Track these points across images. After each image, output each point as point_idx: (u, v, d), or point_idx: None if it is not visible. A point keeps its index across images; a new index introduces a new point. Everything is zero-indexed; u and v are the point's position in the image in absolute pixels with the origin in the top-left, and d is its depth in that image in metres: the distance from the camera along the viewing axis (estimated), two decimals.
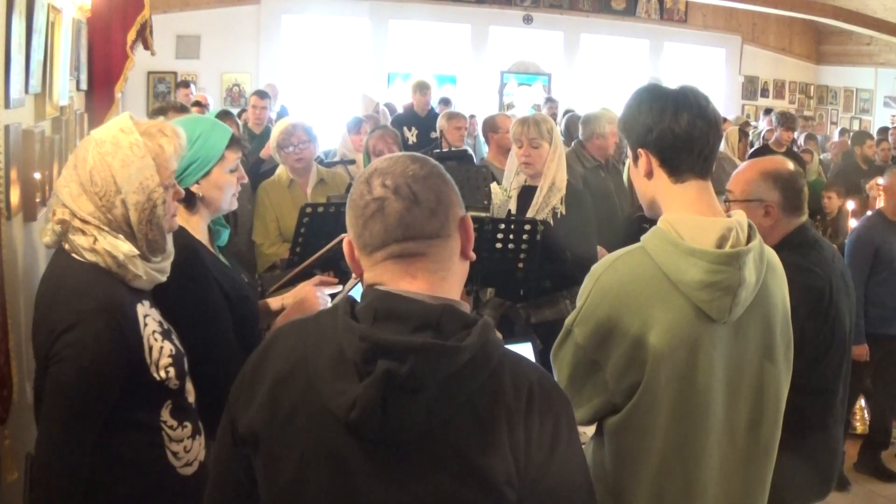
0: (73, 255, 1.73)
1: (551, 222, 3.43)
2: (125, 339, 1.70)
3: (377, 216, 1.22)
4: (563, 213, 3.47)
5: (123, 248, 1.72)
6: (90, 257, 1.72)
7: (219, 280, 2.12)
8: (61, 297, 1.70)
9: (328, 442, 1.18)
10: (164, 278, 1.86)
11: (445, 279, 1.25)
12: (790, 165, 2.44)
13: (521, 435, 1.17)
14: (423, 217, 1.22)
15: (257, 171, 5.00)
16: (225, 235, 2.32)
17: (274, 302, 2.40)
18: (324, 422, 1.18)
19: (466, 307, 1.25)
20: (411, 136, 7.17)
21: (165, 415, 1.80)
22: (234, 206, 2.24)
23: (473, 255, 1.31)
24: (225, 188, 2.15)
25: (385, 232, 1.22)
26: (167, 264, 1.87)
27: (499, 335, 3.62)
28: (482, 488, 1.15)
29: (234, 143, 2.16)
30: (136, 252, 1.74)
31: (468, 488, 1.15)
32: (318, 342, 1.22)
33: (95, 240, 1.71)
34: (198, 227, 2.15)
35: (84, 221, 1.72)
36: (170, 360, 1.78)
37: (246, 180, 2.29)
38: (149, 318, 1.79)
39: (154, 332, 1.78)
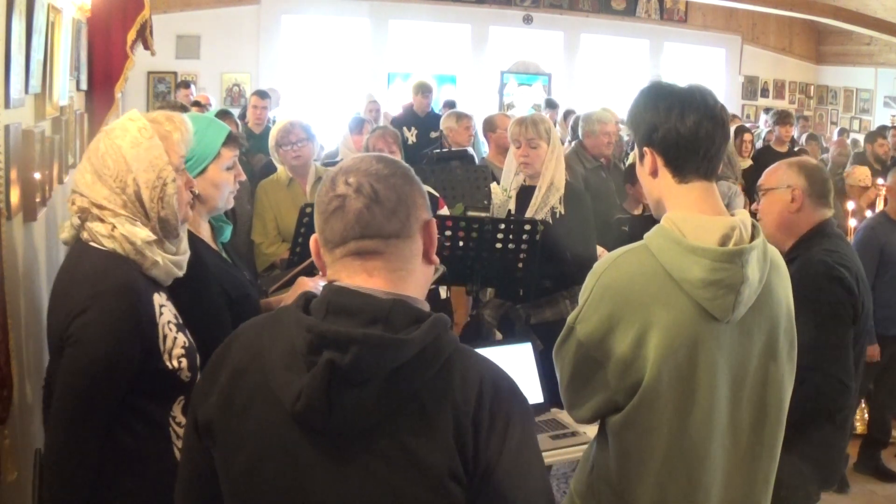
0: (92, 243, 1.77)
1: (550, 222, 3.43)
2: (140, 322, 1.72)
3: (338, 213, 1.23)
4: (562, 213, 3.46)
5: (141, 234, 1.76)
6: (108, 244, 1.75)
7: (219, 278, 2.12)
8: (78, 280, 1.73)
9: (279, 433, 1.20)
10: (180, 273, 1.88)
11: (404, 279, 1.26)
12: (814, 161, 2.60)
13: (468, 431, 1.18)
14: (382, 216, 1.23)
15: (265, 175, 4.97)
16: (228, 232, 2.33)
17: (275, 302, 2.40)
18: (275, 414, 1.20)
19: (425, 305, 1.26)
20: (411, 136, 7.18)
21: (177, 411, 1.82)
22: (231, 204, 2.24)
23: (437, 260, 1.32)
24: (221, 186, 2.16)
25: (344, 229, 1.23)
26: (183, 259, 1.90)
27: (498, 335, 3.60)
28: (426, 483, 1.16)
29: (230, 140, 2.17)
30: (153, 237, 1.78)
31: (412, 482, 1.17)
32: (274, 336, 1.24)
33: (114, 227, 1.75)
34: (197, 224, 2.16)
35: (101, 208, 1.76)
36: (182, 350, 1.80)
37: (244, 178, 2.29)
38: (164, 308, 1.81)
39: (169, 321, 1.80)
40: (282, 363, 1.20)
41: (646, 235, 1.64)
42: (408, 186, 1.27)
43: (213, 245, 2.22)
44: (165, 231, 1.82)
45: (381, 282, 1.24)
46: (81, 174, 1.80)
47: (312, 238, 1.30)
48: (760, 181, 2.56)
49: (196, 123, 2.14)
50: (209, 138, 2.13)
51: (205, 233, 2.19)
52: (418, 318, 1.20)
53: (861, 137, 9.20)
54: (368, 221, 1.22)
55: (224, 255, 2.26)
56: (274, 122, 6.25)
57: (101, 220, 1.76)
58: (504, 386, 1.24)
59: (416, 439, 1.17)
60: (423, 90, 7.54)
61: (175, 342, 1.79)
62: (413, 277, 1.27)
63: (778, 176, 2.50)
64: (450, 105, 8.40)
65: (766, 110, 10.04)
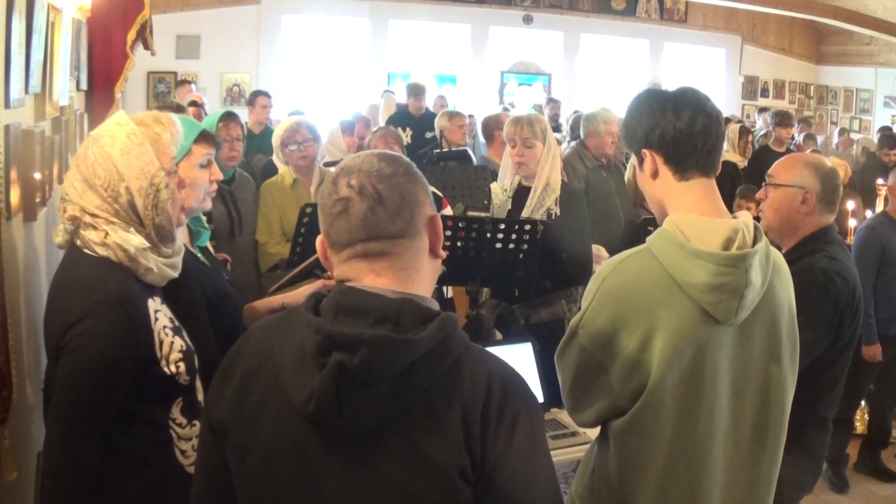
0: (85, 250, 1.75)
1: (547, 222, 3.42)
2: (136, 331, 1.71)
3: (342, 216, 1.24)
4: (558, 213, 3.45)
5: (134, 241, 1.75)
6: (102, 251, 1.74)
7: (196, 280, 2.11)
8: (73, 289, 1.72)
9: (291, 434, 1.21)
10: (175, 274, 1.87)
11: (412, 277, 1.27)
12: (830, 164, 2.52)
13: (476, 430, 1.18)
14: (386, 217, 1.23)
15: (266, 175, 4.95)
16: (205, 236, 2.33)
17: (275, 301, 2.40)
18: (287, 414, 1.21)
19: (434, 304, 1.26)
20: (405, 136, 7.19)
21: (176, 412, 1.81)
22: (208, 205, 2.22)
23: (443, 254, 1.33)
24: (195, 185, 2.13)
25: (350, 232, 1.24)
26: (178, 260, 1.89)
27: (498, 335, 3.57)
28: (436, 481, 1.17)
29: (203, 138, 2.15)
30: (147, 245, 1.77)
31: (422, 481, 1.17)
32: (285, 337, 1.25)
33: (107, 234, 1.74)
34: None
35: (94, 216, 1.74)
36: (180, 355, 1.79)
37: (221, 177, 2.25)
38: (160, 313, 1.80)
39: (165, 327, 1.79)
40: (293, 364, 1.21)
41: (648, 238, 1.64)
42: (410, 184, 1.27)
43: (190, 248, 2.21)
44: (161, 236, 1.81)
45: (389, 281, 1.24)
46: (71, 183, 1.77)
47: (319, 239, 1.30)
48: (772, 170, 2.49)
49: None
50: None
51: (182, 234, 2.18)
52: (427, 318, 1.20)
53: (860, 138, 9.19)
54: (373, 224, 1.23)
55: (201, 257, 2.26)
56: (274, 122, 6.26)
57: (94, 228, 1.74)
58: (513, 384, 1.25)
59: (425, 438, 1.18)
60: (415, 92, 7.54)
61: (172, 347, 1.78)
62: (420, 275, 1.28)
63: (794, 174, 2.43)
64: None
65: (762, 110, 10.02)
